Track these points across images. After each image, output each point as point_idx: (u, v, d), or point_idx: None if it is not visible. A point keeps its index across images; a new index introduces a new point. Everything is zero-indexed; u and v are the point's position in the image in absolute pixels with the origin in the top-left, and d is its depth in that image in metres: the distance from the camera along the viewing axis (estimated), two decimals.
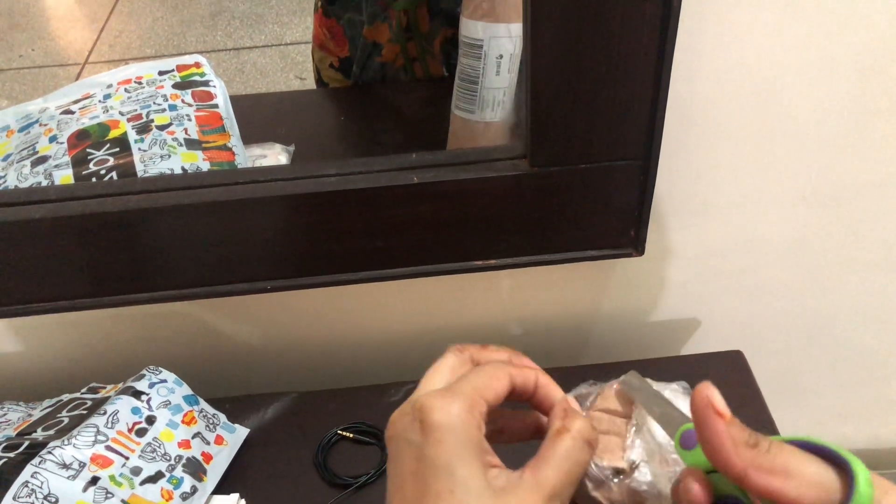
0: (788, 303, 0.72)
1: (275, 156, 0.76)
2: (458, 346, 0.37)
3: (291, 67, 1.31)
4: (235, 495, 0.59)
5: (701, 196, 0.62)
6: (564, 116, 0.51)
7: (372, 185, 0.55)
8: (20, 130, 0.73)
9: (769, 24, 0.52)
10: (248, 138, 0.72)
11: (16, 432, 0.58)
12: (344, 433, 0.65)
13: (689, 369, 0.67)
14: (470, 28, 0.59)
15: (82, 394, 0.62)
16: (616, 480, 0.42)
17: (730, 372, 0.67)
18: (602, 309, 0.72)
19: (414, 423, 0.31)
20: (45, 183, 0.64)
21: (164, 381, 0.61)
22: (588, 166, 0.54)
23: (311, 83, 0.94)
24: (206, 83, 0.73)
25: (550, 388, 0.35)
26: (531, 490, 0.30)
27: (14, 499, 0.49)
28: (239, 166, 0.69)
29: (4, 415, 0.63)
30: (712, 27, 0.52)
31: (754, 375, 0.66)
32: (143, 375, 0.61)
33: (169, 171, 0.65)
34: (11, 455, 0.52)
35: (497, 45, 0.59)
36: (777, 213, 0.64)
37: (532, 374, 0.35)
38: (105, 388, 0.63)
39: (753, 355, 0.68)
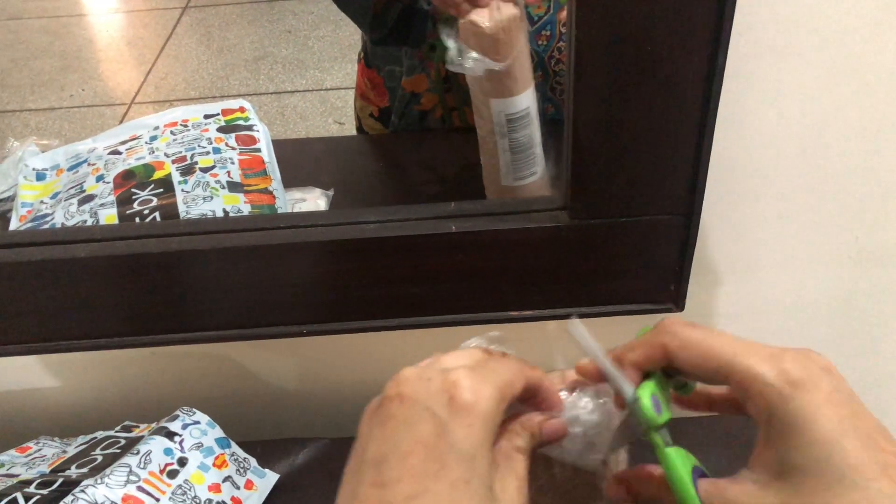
0: (838, 362, 0.70)
1: (314, 200, 0.76)
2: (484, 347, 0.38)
3: (331, 112, 1.34)
4: None
5: (744, 253, 0.61)
6: (605, 170, 0.51)
7: (410, 233, 0.55)
8: (69, 169, 0.75)
9: (815, 81, 0.52)
10: (289, 182, 0.73)
11: (50, 469, 0.58)
12: None
13: (729, 430, 0.66)
14: (517, 103, 0.61)
15: (116, 432, 0.62)
16: None
17: None
18: None
19: (441, 395, 0.30)
20: (90, 221, 0.66)
21: (198, 422, 0.61)
22: (628, 220, 0.54)
23: (349, 128, 0.95)
24: (249, 127, 0.75)
25: (551, 395, 0.37)
26: None
27: None
28: (279, 210, 0.70)
29: (39, 450, 0.63)
30: (758, 84, 0.52)
31: None
32: (177, 416, 0.61)
33: (211, 213, 0.66)
34: (45, 492, 0.52)
35: (535, 105, 0.61)
36: (823, 273, 0.63)
37: (541, 380, 0.36)
38: (139, 426, 0.63)
39: None
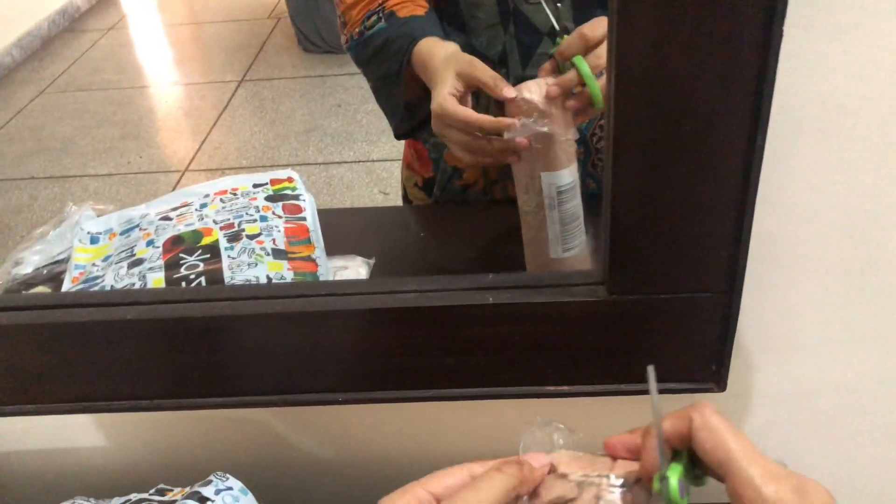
0: (887, 450, 0.67)
1: (356, 268, 0.78)
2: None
3: (376, 183, 1.37)
4: None
5: (787, 332, 0.60)
6: (644, 246, 0.51)
7: (448, 303, 0.56)
8: (122, 234, 0.77)
9: (858, 161, 0.51)
10: (332, 250, 0.74)
11: None
12: None
13: None
14: (563, 177, 0.63)
15: (150, 495, 0.62)
16: None
17: None
18: None
19: None
20: (138, 284, 0.68)
21: (230, 488, 0.61)
22: (668, 297, 0.53)
23: (394, 198, 0.97)
24: (296, 197, 0.77)
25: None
26: None
27: None
28: (321, 277, 0.71)
29: None
30: (799, 162, 0.51)
31: None
32: (211, 481, 0.61)
33: (255, 279, 0.67)
34: None
35: (577, 178, 0.63)
36: (868, 355, 0.61)
37: (495, 463, 0.38)
38: (173, 490, 0.63)
39: None
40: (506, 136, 0.62)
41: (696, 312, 0.54)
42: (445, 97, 0.65)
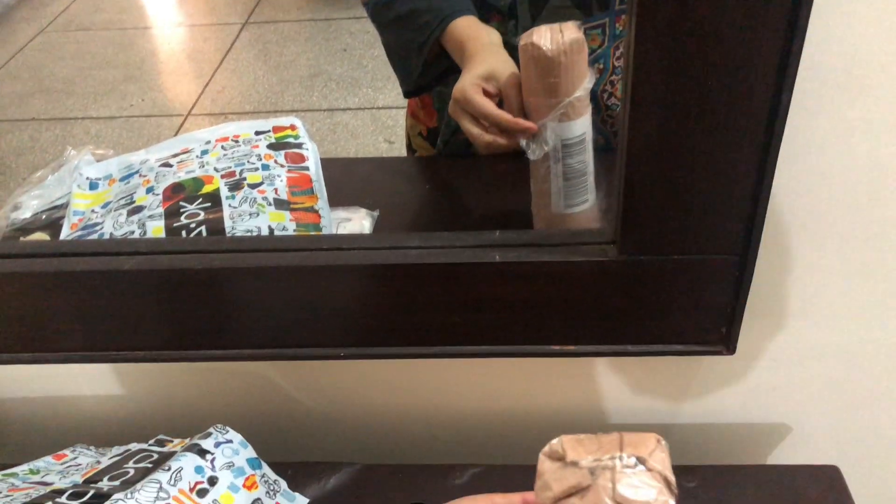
0: (894, 415, 0.67)
1: (359, 220, 0.76)
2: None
3: (381, 131, 1.34)
4: None
5: (800, 297, 0.58)
6: (659, 206, 0.50)
7: (453, 260, 0.54)
8: (121, 180, 0.76)
9: (885, 122, 0.49)
10: (335, 201, 0.73)
11: (83, 479, 0.58)
12: None
13: (777, 480, 0.63)
14: (573, 128, 0.60)
15: (150, 445, 0.62)
16: None
17: (823, 489, 0.61)
18: (684, 407, 0.68)
19: None
20: (137, 232, 0.66)
21: (230, 441, 0.60)
22: (681, 258, 0.52)
23: (399, 146, 0.95)
24: (299, 145, 0.75)
25: None
26: None
27: None
28: (324, 229, 0.69)
29: (75, 458, 0.64)
30: (824, 122, 0.49)
31: (852, 495, 0.61)
32: (210, 434, 0.60)
33: (256, 229, 0.66)
34: (76, 503, 0.52)
35: (590, 132, 0.60)
36: (883, 320, 0.60)
37: (517, 496, 0.42)
38: (172, 441, 0.63)
39: (851, 472, 0.62)
40: (522, 143, 0.60)
41: (709, 275, 0.53)
42: (472, 85, 0.63)
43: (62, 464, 0.62)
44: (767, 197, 0.48)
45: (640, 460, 0.33)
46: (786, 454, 0.70)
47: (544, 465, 0.34)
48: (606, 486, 0.32)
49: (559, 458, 0.34)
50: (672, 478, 0.33)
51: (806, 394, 0.66)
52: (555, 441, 0.35)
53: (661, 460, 0.33)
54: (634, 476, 0.32)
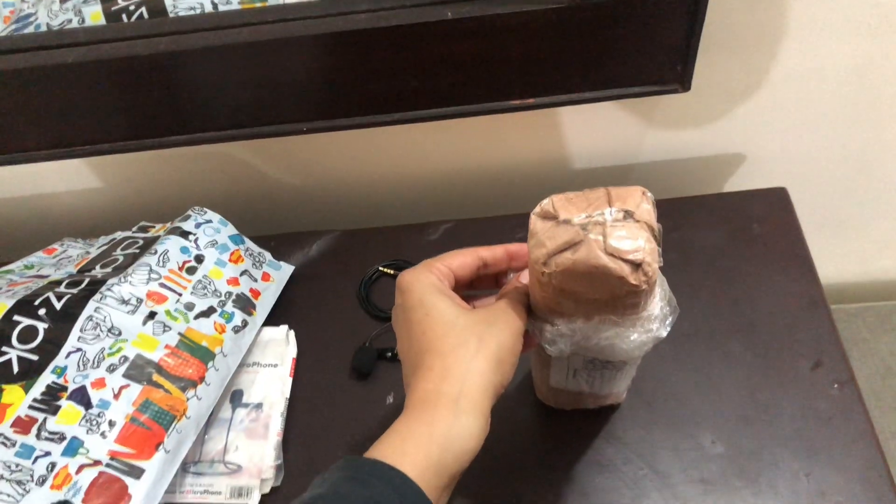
0: (839, 137, 0.69)
1: None
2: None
3: None
4: (284, 327, 0.63)
5: (754, 26, 0.58)
6: None
7: (404, 21, 0.53)
8: None
9: None
10: None
11: (77, 269, 0.61)
12: (385, 269, 0.67)
13: (732, 206, 0.67)
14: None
15: (134, 232, 0.65)
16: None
17: (772, 209, 0.66)
18: (644, 145, 0.70)
19: (397, 295, 0.41)
20: (75, 20, 0.63)
21: (210, 220, 0.63)
22: None
23: None
24: None
25: (520, 254, 0.43)
26: (495, 306, 0.39)
27: (81, 331, 0.53)
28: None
29: (65, 251, 0.66)
30: None
31: (796, 212, 0.65)
32: (189, 216, 0.62)
33: (199, 5, 0.63)
34: (75, 291, 0.55)
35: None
36: (835, 43, 0.60)
37: (500, 248, 0.43)
38: (154, 226, 0.65)
39: (797, 191, 0.66)
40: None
41: (662, 13, 0.52)
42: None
43: (54, 257, 0.65)
44: None
45: (628, 213, 0.34)
46: (740, 181, 0.74)
47: (536, 224, 0.36)
48: (598, 239, 0.33)
49: (551, 217, 0.35)
50: (658, 226, 0.35)
51: (758, 122, 0.68)
52: (545, 201, 0.36)
53: (647, 212, 0.34)
54: (624, 228, 0.33)
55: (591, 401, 0.53)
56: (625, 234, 0.33)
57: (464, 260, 0.42)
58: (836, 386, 0.55)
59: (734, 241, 0.64)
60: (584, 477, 0.53)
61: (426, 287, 0.39)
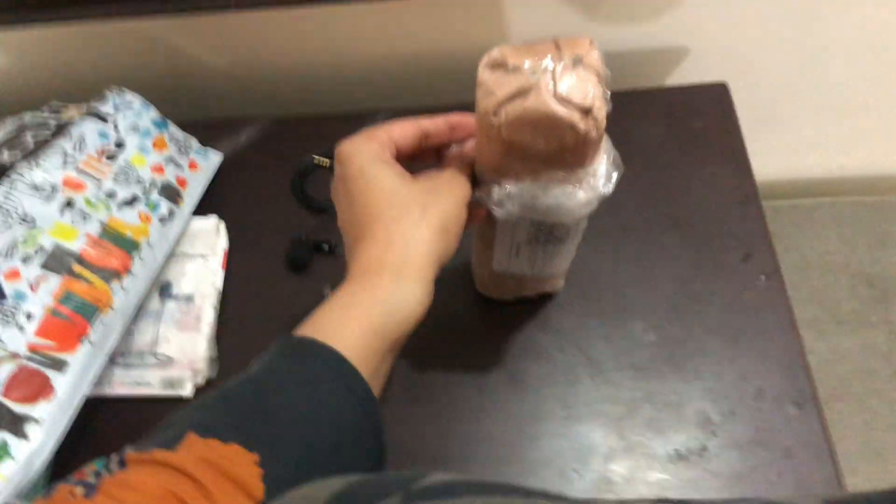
0: (781, 33, 0.69)
1: None
2: None
3: None
4: (214, 217, 0.60)
5: None
6: None
7: None
8: None
9: None
10: None
11: None
12: (320, 160, 0.64)
13: (673, 100, 0.66)
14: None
15: (44, 113, 0.60)
16: None
17: (713, 104, 0.66)
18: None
19: (337, 166, 0.39)
20: None
21: (130, 102, 0.59)
22: None
23: None
24: None
25: (463, 124, 0.41)
26: (438, 175, 0.39)
27: None
28: None
29: None
30: None
31: (735, 107, 0.65)
32: (106, 97, 0.58)
33: None
34: None
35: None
36: None
37: (441, 118, 0.41)
38: (67, 106, 0.60)
39: (738, 87, 0.66)
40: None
41: None
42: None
43: None
44: None
45: (577, 60, 0.33)
46: (682, 75, 0.73)
47: (485, 74, 0.35)
48: (548, 85, 0.33)
49: (499, 65, 0.34)
50: (606, 72, 0.34)
51: (704, 15, 0.66)
52: (493, 51, 0.35)
53: (596, 58, 0.34)
54: (574, 75, 0.33)
55: (531, 286, 0.54)
56: (574, 80, 0.33)
57: (405, 130, 0.40)
58: (762, 278, 0.57)
59: (673, 135, 0.64)
60: (519, 364, 0.54)
61: (367, 156, 0.38)
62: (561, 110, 0.33)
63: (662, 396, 0.52)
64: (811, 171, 0.93)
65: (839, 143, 0.88)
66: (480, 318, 0.56)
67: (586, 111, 0.33)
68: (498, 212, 0.39)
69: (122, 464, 0.28)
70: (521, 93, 0.33)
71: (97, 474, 0.27)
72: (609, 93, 0.34)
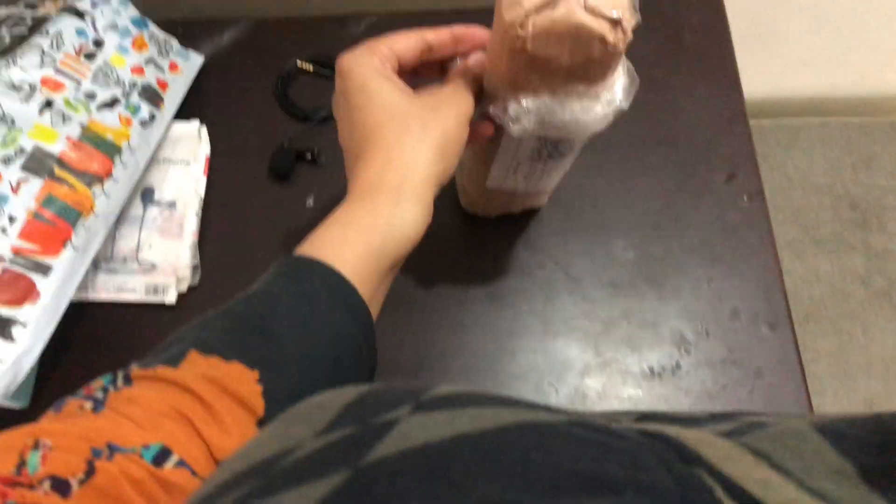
0: None
1: None
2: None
3: None
4: (196, 122, 0.59)
5: None
6: None
7: None
8: None
9: None
10: None
11: None
12: (303, 64, 0.63)
13: (666, 12, 0.65)
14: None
15: (19, 7, 0.58)
16: None
17: (706, 17, 0.64)
18: None
19: (337, 80, 0.38)
20: None
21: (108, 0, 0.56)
22: None
23: None
24: None
25: (468, 35, 0.40)
26: (441, 91, 0.38)
27: None
28: None
29: None
30: None
31: (728, 19, 0.64)
32: None
33: None
34: None
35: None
36: None
37: (445, 30, 0.39)
38: (44, 1, 0.58)
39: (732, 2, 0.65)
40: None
41: None
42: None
43: None
44: None
45: None
46: None
47: None
48: None
49: None
50: None
51: None
52: None
53: None
54: None
55: (518, 202, 0.54)
56: None
57: (408, 42, 0.39)
58: (745, 198, 0.57)
59: (664, 50, 0.63)
60: (499, 280, 0.55)
61: (368, 71, 0.37)
62: (591, 21, 0.31)
63: (639, 314, 0.53)
64: (802, 91, 0.92)
65: (832, 61, 0.87)
66: (462, 233, 0.56)
67: (616, 23, 0.31)
68: (514, 129, 0.38)
69: (128, 380, 0.29)
70: (549, 3, 0.31)
71: (104, 390, 0.28)
72: (637, 1, 0.32)
